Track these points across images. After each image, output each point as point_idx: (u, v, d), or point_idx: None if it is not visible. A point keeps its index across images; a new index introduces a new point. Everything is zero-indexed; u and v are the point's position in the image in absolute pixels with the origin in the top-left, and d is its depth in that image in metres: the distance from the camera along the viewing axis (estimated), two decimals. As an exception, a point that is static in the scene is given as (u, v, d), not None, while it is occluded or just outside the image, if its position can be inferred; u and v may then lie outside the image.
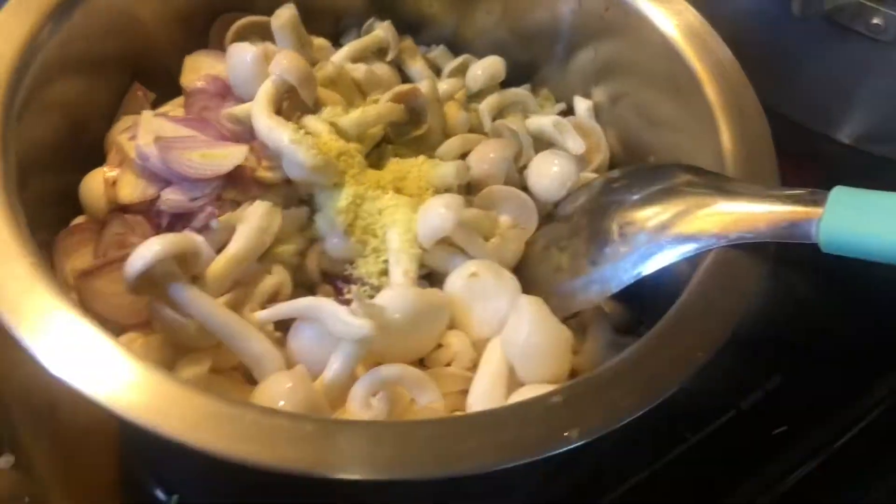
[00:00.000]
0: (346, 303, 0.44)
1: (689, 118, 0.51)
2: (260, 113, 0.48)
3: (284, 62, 0.49)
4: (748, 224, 0.41)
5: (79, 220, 0.49)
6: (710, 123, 0.48)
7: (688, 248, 0.42)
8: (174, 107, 0.54)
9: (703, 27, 0.52)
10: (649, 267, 0.43)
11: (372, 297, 0.47)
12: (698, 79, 0.50)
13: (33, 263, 0.36)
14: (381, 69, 0.60)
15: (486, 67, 0.60)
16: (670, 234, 0.43)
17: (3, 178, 0.39)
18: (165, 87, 0.57)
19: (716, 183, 0.45)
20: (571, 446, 0.34)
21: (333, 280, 0.49)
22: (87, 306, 0.42)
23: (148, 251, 0.40)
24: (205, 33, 0.59)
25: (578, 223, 0.50)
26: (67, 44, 0.48)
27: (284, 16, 0.55)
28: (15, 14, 0.46)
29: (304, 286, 0.49)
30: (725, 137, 0.47)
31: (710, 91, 0.49)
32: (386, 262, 0.48)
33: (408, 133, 0.54)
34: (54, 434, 0.52)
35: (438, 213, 0.46)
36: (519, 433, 0.34)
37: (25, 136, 0.44)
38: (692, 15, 0.53)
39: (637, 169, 0.53)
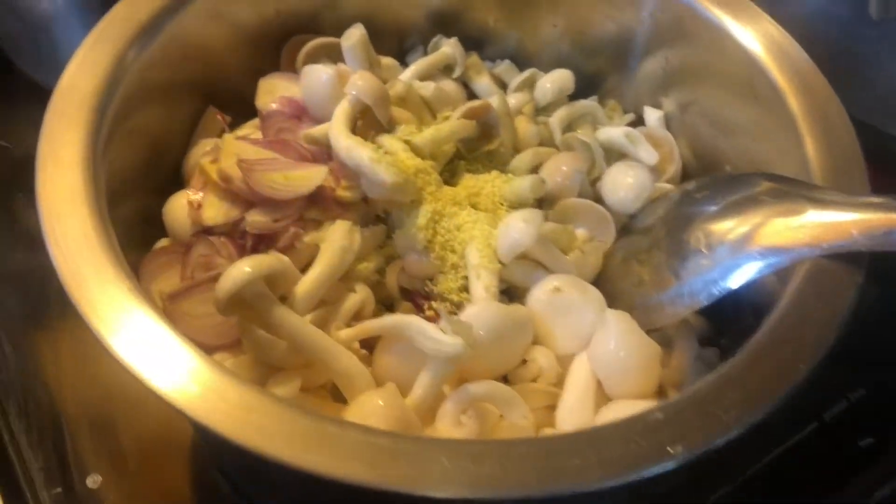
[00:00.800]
0: (429, 319, 0.44)
1: (770, 127, 0.50)
2: (339, 133, 0.48)
3: (360, 83, 0.50)
4: (842, 233, 0.40)
5: (162, 242, 0.49)
6: (792, 133, 0.47)
7: (779, 260, 0.41)
8: (250, 129, 0.55)
9: (782, 36, 0.51)
10: (739, 279, 0.42)
11: (453, 313, 0.47)
12: (779, 88, 0.49)
13: (130, 288, 0.37)
14: (449, 86, 0.60)
15: (554, 80, 0.60)
16: (758, 246, 0.43)
17: (96, 203, 0.40)
18: (238, 109, 0.58)
19: (802, 191, 0.44)
20: (675, 462, 0.33)
21: (412, 296, 0.49)
22: (176, 328, 0.43)
23: (239, 273, 0.40)
24: (275, 56, 0.59)
25: (657, 236, 0.49)
26: (147, 71, 0.49)
27: (354, 36, 0.56)
28: (99, 44, 0.47)
29: (382, 303, 0.50)
30: (810, 147, 0.46)
31: (793, 100, 0.48)
32: (465, 278, 0.48)
33: (479, 148, 0.54)
34: (140, 453, 0.53)
35: (518, 228, 0.46)
36: (622, 450, 0.33)
37: (111, 161, 0.45)
38: (769, 23, 0.52)
39: (715, 179, 0.52)
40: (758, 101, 0.51)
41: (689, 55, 0.56)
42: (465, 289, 0.48)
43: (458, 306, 0.47)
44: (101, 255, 0.38)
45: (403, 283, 0.49)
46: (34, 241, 0.39)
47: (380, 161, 0.46)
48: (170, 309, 0.44)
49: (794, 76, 0.49)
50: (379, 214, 0.50)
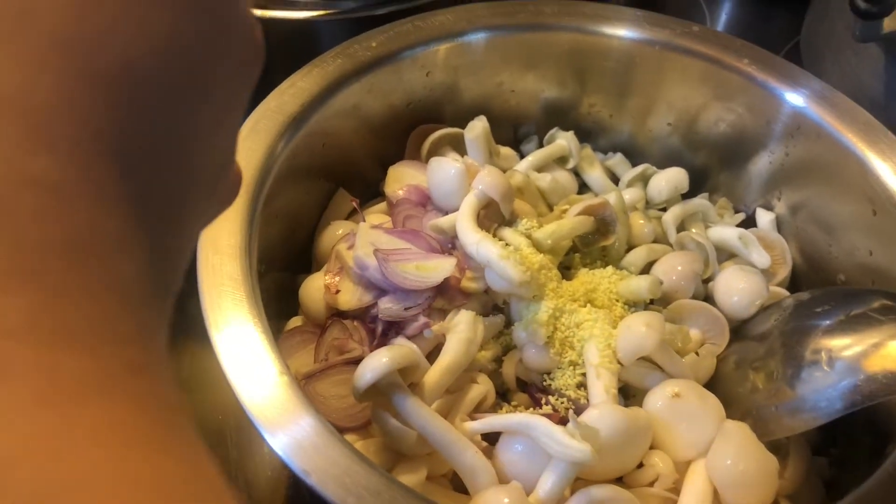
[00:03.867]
0: (550, 416, 0.45)
1: (887, 243, 0.51)
2: (466, 227, 0.51)
3: (488, 179, 0.52)
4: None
5: (296, 321, 0.52)
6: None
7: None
8: (377, 212, 0.58)
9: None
10: (859, 400, 0.43)
11: (568, 409, 0.48)
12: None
13: (285, 383, 0.39)
14: (563, 177, 0.62)
15: (669, 179, 0.61)
16: (879, 369, 0.43)
17: (252, 291, 0.43)
18: (362, 190, 0.61)
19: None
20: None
21: (529, 389, 0.51)
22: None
23: (378, 363, 0.42)
24: (399, 143, 0.63)
25: (773, 345, 0.50)
26: (292, 160, 0.52)
27: (478, 128, 0.59)
28: (253, 134, 0.51)
29: (497, 391, 0.51)
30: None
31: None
32: (583, 375, 0.49)
33: (595, 243, 0.56)
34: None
35: (640, 333, 0.47)
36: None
37: (258, 243, 0.48)
38: (885, 135, 0.53)
39: (830, 291, 0.53)
40: (875, 217, 0.52)
41: (805, 162, 0.57)
42: (582, 385, 0.49)
43: (575, 402, 0.49)
44: (259, 349, 0.41)
45: (520, 375, 0.51)
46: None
47: (508, 258, 0.48)
48: (305, 389, 0.46)
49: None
50: (498, 304, 0.52)
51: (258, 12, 0.62)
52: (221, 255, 0.44)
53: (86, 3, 0.16)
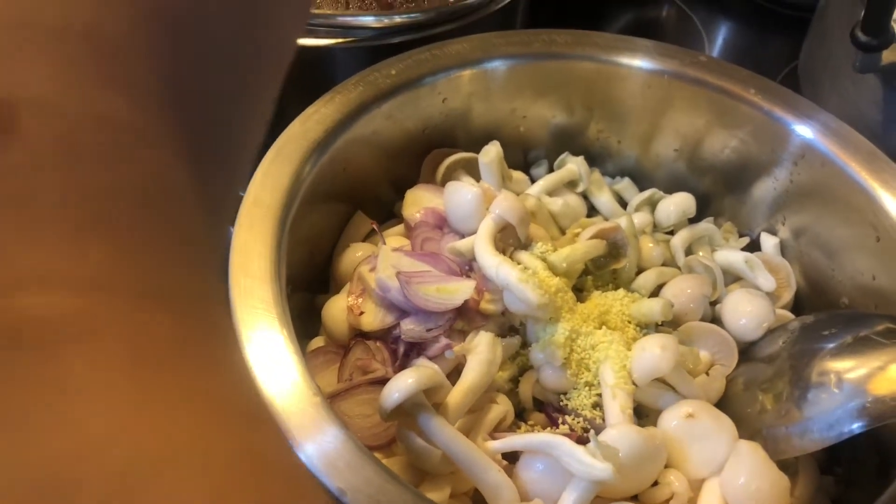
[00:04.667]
0: (569, 437, 0.47)
1: (891, 269, 0.53)
2: (485, 251, 0.52)
3: (505, 203, 0.54)
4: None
5: (317, 341, 0.54)
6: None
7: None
8: (394, 234, 0.59)
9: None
10: (866, 422, 0.45)
11: (585, 428, 0.50)
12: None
13: (318, 404, 0.41)
14: (574, 201, 0.64)
15: (678, 204, 0.63)
16: (884, 391, 0.45)
17: (282, 303, 0.45)
18: (377, 212, 0.63)
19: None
20: None
21: (545, 408, 0.52)
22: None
23: (405, 384, 0.44)
24: (413, 166, 0.64)
25: (781, 367, 0.51)
26: (316, 185, 0.54)
27: (492, 153, 0.61)
28: (279, 158, 0.52)
29: (514, 412, 0.53)
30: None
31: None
32: (598, 395, 0.51)
33: (606, 266, 0.58)
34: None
35: (655, 354, 0.49)
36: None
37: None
38: (888, 165, 0.55)
39: (835, 315, 0.55)
40: (879, 243, 0.54)
41: (809, 188, 0.59)
42: (598, 406, 0.51)
43: (591, 422, 0.50)
44: (292, 371, 0.42)
45: (537, 395, 0.52)
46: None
47: (527, 281, 0.50)
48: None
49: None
50: (515, 326, 0.54)
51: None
52: (253, 279, 0.45)
53: None
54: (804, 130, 0.57)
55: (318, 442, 0.40)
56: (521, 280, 0.50)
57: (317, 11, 0.61)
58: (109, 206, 0.14)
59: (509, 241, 0.56)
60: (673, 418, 0.49)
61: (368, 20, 0.61)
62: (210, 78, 0.17)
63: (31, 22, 0.14)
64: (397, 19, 0.62)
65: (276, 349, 0.42)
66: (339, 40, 0.61)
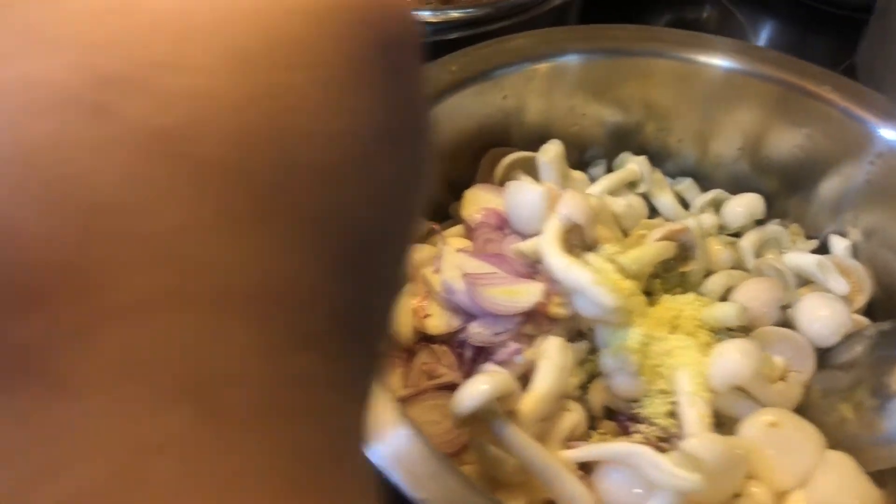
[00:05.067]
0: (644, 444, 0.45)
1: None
2: (554, 252, 0.50)
3: (572, 203, 0.52)
4: None
5: (379, 344, 0.52)
6: None
7: None
8: (453, 235, 0.57)
9: None
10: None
11: (661, 438, 0.48)
12: None
13: (390, 405, 0.39)
14: (636, 201, 0.62)
15: (745, 205, 0.61)
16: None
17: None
18: (432, 213, 0.61)
19: None
20: None
21: (616, 416, 0.50)
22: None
23: (477, 391, 0.42)
24: (468, 167, 0.62)
25: (861, 375, 0.49)
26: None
27: (552, 151, 0.59)
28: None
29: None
30: None
31: None
32: (673, 403, 0.49)
33: (675, 269, 0.56)
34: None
35: (736, 360, 0.47)
36: None
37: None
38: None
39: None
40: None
41: (884, 188, 0.57)
42: (673, 414, 0.49)
43: (666, 431, 0.48)
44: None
45: (607, 402, 0.50)
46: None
47: (601, 283, 0.48)
48: (397, 414, 0.46)
49: None
50: (582, 330, 0.52)
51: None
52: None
53: (331, 177, 0.14)
54: (886, 130, 0.55)
55: (392, 445, 0.38)
56: (595, 282, 0.48)
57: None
58: (311, 467, 0.14)
59: (575, 242, 0.54)
60: (754, 427, 0.46)
61: (426, 15, 0.60)
62: (375, 308, 0.16)
63: (228, 289, 0.13)
64: (454, 14, 0.60)
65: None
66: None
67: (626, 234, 0.59)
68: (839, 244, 0.60)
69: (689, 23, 1.01)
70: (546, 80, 0.60)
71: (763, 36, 1.00)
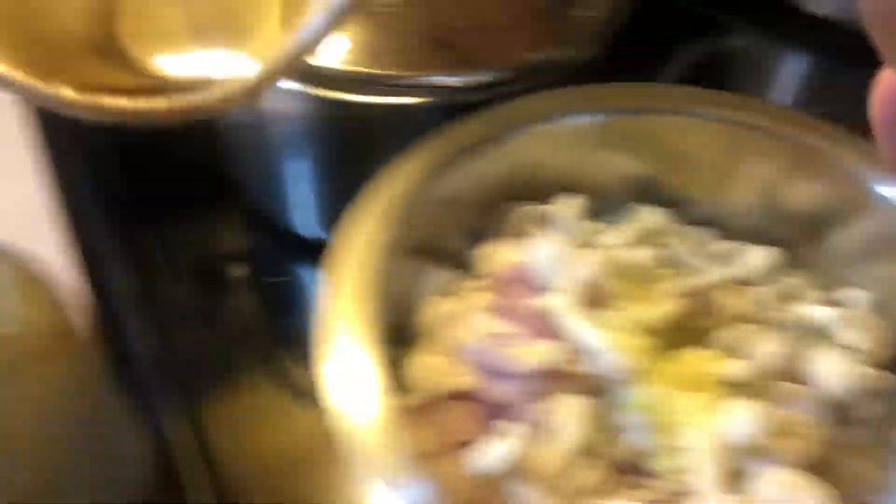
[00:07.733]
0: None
1: None
2: (570, 311, 0.52)
3: (588, 259, 0.54)
4: None
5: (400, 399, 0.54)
6: None
7: None
8: (472, 289, 0.59)
9: None
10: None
11: (675, 493, 0.48)
12: None
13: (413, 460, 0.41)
14: (651, 253, 0.63)
15: (763, 257, 0.62)
16: None
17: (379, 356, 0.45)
18: (451, 266, 0.62)
19: None
20: None
21: (631, 472, 0.51)
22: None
23: (500, 450, 0.44)
24: (485, 218, 0.64)
25: (882, 433, 0.50)
26: (398, 239, 0.54)
27: (570, 206, 0.60)
28: (365, 216, 0.53)
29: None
30: None
31: None
32: (687, 459, 0.49)
33: (693, 323, 0.57)
34: None
35: (748, 419, 0.47)
36: None
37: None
38: None
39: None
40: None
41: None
42: (686, 470, 0.49)
43: (679, 487, 0.49)
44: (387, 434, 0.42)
45: (624, 458, 0.51)
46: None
47: (615, 342, 0.49)
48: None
49: None
50: (601, 387, 0.53)
51: (352, 97, 0.64)
52: (351, 337, 0.45)
53: None
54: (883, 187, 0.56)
55: (410, 500, 0.39)
56: (607, 341, 0.49)
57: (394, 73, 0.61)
58: None
59: (593, 297, 0.55)
60: (768, 484, 0.47)
61: (450, 80, 0.62)
62: None
63: None
64: (478, 78, 0.63)
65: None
66: (420, 100, 0.62)
67: (644, 288, 0.60)
68: (858, 297, 0.61)
69: (717, 55, 1.02)
70: (560, 138, 0.61)
71: (796, 70, 0.98)
